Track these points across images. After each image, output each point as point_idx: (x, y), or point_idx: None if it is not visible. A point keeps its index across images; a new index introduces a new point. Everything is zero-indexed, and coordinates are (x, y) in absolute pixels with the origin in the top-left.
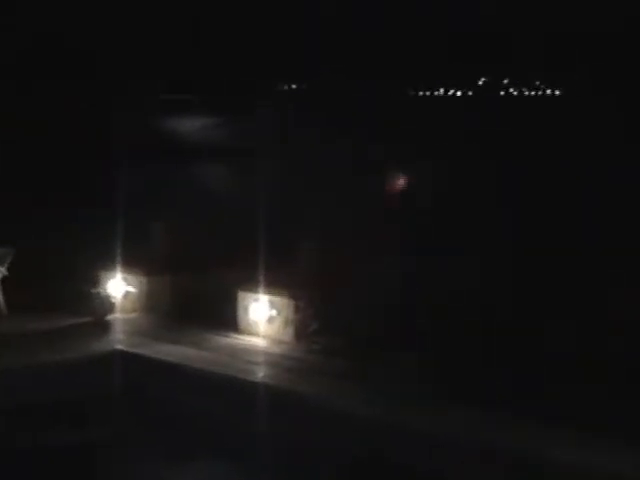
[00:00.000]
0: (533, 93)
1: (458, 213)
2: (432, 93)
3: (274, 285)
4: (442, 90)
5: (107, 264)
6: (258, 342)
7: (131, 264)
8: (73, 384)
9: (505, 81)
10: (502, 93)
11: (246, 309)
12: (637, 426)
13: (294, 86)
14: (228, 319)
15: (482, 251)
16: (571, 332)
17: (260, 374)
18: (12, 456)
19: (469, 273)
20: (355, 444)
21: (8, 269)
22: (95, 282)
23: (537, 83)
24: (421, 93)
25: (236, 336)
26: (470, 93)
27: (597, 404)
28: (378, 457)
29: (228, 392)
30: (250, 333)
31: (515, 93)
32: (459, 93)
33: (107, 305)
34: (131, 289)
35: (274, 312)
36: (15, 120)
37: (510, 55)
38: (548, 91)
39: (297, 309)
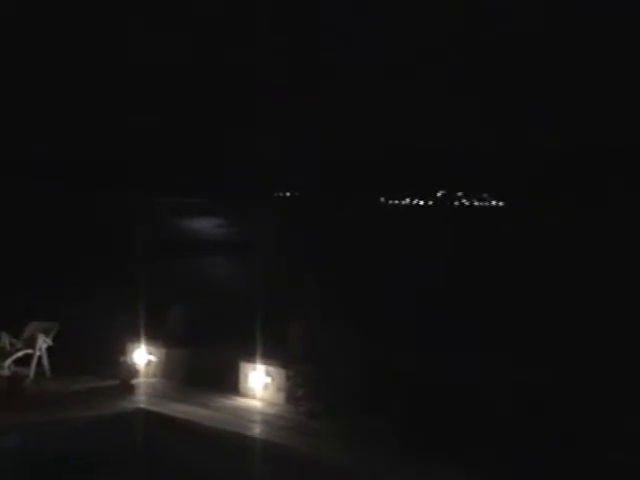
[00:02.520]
0: (481, 204)
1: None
2: (400, 202)
3: (269, 357)
4: (408, 200)
5: (133, 337)
6: (255, 404)
7: (153, 338)
8: (100, 436)
9: (459, 193)
10: (456, 203)
11: (246, 376)
12: None
13: (287, 194)
14: (231, 385)
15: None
16: None
17: (257, 430)
18: None
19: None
20: None
21: (53, 340)
22: (123, 351)
23: (485, 195)
24: (390, 202)
25: (238, 399)
26: (430, 202)
27: None
28: None
29: (230, 444)
30: (249, 396)
31: (467, 203)
32: (422, 202)
33: (132, 371)
34: (152, 358)
35: (269, 379)
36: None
37: (463, 171)
38: (493, 202)
39: (287, 377)
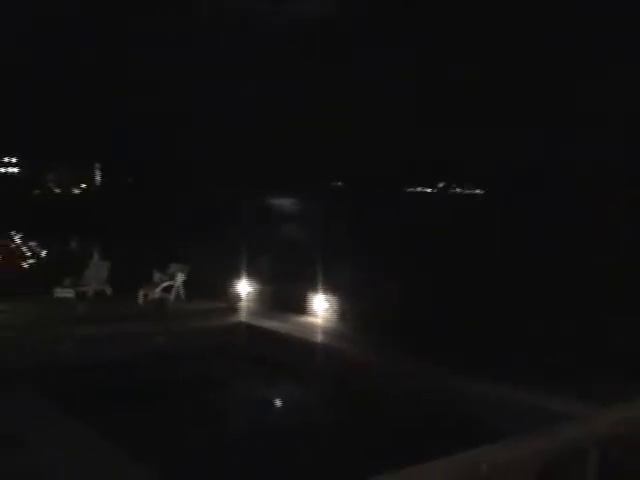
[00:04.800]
0: (468, 191)
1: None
2: (415, 189)
3: (327, 289)
4: (419, 188)
5: (238, 276)
6: (318, 321)
7: (250, 276)
8: (213, 339)
9: (454, 184)
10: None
11: (312, 302)
12: None
13: (339, 183)
14: (301, 307)
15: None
16: None
17: (318, 337)
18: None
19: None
20: (354, 374)
21: (187, 276)
22: (232, 284)
23: (470, 186)
24: (410, 190)
25: (306, 317)
26: (435, 190)
27: None
28: (361, 380)
29: (299, 346)
30: (314, 316)
31: (458, 191)
32: (429, 190)
33: (237, 297)
34: (250, 289)
35: (327, 304)
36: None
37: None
38: (477, 191)
39: (338, 303)
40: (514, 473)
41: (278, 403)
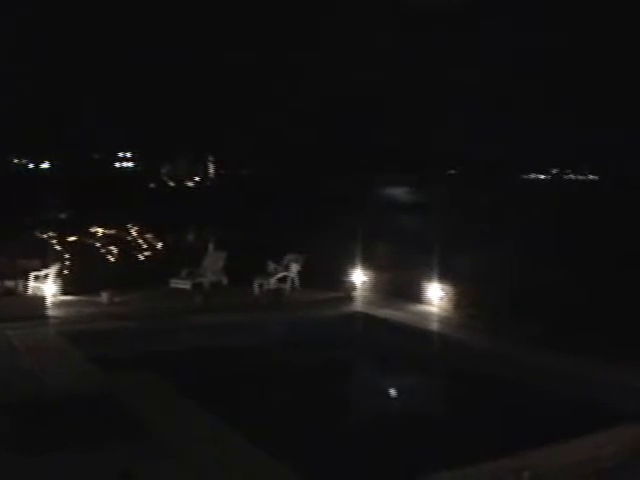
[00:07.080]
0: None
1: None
2: (528, 176)
3: (441, 279)
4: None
5: (352, 264)
6: (433, 309)
7: (365, 265)
8: (329, 329)
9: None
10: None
11: (427, 290)
12: None
13: (452, 172)
14: (417, 296)
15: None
16: None
17: (434, 326)
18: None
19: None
20: (469, 360)
21: (301, 266)
22: (345, 274)
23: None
24: (523, 176)
25: (421, 306)
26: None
27: None
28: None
29: (414, 334)
30: (429, 304)
31: (573, 177)
32: (542, 177)
33: (352, 286)
34: (364, 278)
35: (443, 293)
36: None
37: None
38: (590, 176)
39: (454, 291)
40: None
41: (395, 391)
